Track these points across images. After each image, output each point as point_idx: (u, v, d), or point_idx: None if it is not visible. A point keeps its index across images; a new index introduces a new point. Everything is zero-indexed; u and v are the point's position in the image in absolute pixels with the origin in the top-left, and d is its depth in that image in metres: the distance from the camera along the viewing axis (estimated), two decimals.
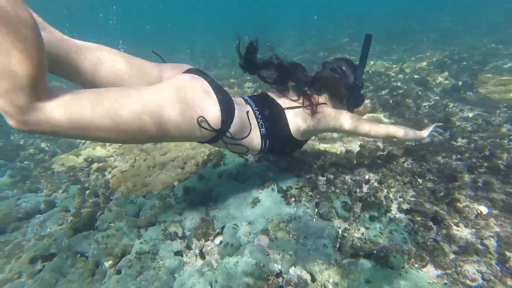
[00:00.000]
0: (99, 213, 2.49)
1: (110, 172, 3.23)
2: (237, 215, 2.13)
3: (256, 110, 1.72)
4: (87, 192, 2.84)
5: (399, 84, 4.64)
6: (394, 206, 2.16)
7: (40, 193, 2.96)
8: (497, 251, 1.73)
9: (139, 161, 3.33)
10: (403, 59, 6.47)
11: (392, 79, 4.92)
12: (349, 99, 2.04)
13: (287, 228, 1.96)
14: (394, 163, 2.46)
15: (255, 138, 1.69)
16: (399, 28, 10.41)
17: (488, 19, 10.00)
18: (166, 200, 2.43)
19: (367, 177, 2.37)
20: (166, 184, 2.74)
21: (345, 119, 1.83)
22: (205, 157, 3.04)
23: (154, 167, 3.18)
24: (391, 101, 3.82)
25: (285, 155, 2.21)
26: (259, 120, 1.69)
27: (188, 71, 1.56)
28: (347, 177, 2.42)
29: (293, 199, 2.20)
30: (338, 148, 2.91)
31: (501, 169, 2.50)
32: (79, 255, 2.00)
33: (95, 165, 3.35)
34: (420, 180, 2.36)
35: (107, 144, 3.79)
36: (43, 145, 4.30)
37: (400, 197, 2.21)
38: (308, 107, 1.77)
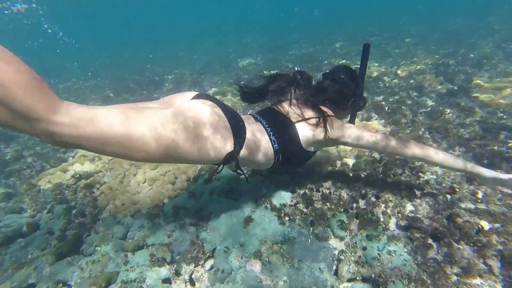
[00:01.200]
0: (85, 235, 2.38)
1: (98, 189, 3.12)
2: (228, 236, 2.02)
3: (267, 127, 1.75)
4: (74, 211, 2.72)
5: (395, 89, 4.58)
6: (392, 223, 2.08)
7: (24, 213, 2.83)
8: (502, 272, 1.65)
9: (128, 177, 3.22)
10: (398, 62, 6.42)
11: (387, 84, 4.86)
12: (352, 107, 2.05)
13: (281, 250, 1.86)
14: (392, 175, 2.38)
15: (268, 154, 1.72)
16: (395, 29, 10.40)
17: (484, 22, 10.02)
18: (155, 220, 2.32)
19: (363, 191, 2.29)
20: (156, 201, 2.64)
21: (353, 131, 1.82)
22: (196, 171, 2.94)
23: (144, 182, 3.07)
24: (387, 108, 3.75)
25: (296, 167, 2.20)
26: (271, 137, 1.71)
27: (196, 97, 1.60)
28: (343, 192, 2.33)
29: (288, 218, 2.10)
30: (333, 160, 2.82)
31: None
32: (61, 284, 1.89)
33: (82, 182, 3.23)
34: (418, 193, 2.28)
35: (96, 158, 3.67)
36: (29, 159, 4.16)
37: (398, 213, 2.13)
38: (317, 119, 1.79)
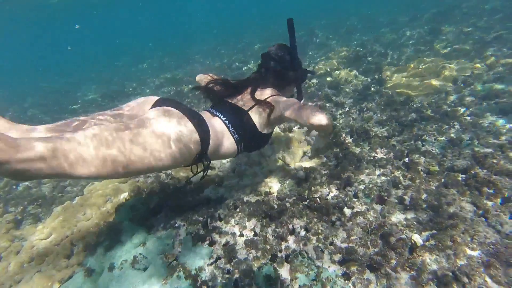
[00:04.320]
0: None
1: None
2: None
3: (225, 120, 1.83)
4: None
5: (313, 89, 4.51)
6: (326, 258, 1.82)
7: None
8: None
9: (9, 256, 2.48)
10: (314, 59, 6.50)
11: (306, 86, 4.78)
12: (295, 79, 2.11)
13: None
14: (318, 199, 2.14)
15: (231, 145, 1.83)
16: (305, 26, 10.73)
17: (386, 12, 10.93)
18: None
19: (291, 226, 2.00)
20: None
21: (294, 107, 1.77)
22: (97, 233, 2.36)
23: (30, 262, 2.38)
24: None
25: (259, 149, 2.26)
26: (230, 129, 1.81)
27: (158, 104, 1.65)
28: (269, 231, 2.02)
29: (205, 287, 1.70)
30: (258, 185, 2.51)
31: (421, 176, 2.38)
32: None
33: None
34: (348, 213, 2.09)
35: None
36: None
37: (330, 245, 1.89)
38: (264, 102, 1.87)
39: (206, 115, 1.82)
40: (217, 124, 1.79)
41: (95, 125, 1.40)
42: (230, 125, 1.82)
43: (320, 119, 1.56)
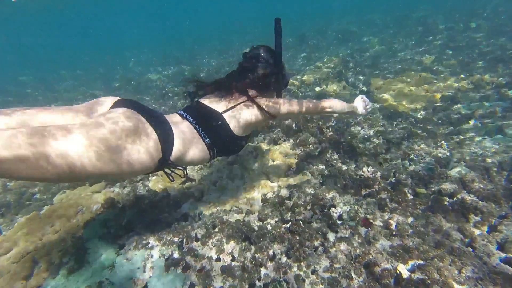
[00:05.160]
0: None
1: None
2: None
3: (195, 123, 1.70)
4: None
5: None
6: None
7: None
8: None
9: None
10: (302, 69, 6.45)
11: (293, 93, 4.69)
12: (276, 82, 2.00)
13: None
14: (301, 223, 2.03)
15: (201, 151, 1.70)
16: (297, 30, 10.70)
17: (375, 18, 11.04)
18: None
19: (271, 252, 1.88)
20: None
21: (280, 104, 1.82)
22: (62, 250, 2.17)
23: None
24: (293, 125, 3.49)
25: (236, 153, 2.18)
26: (200, 132, 1.68)
27: (118, 104, 1.50)
28: (248, 256, 1.89)
29: None
30: (237, 204, 2.38)
31: (408, 199, 2.32)
32: None
33: None
34: (332, 238, 1.98)
35: None
36: None
37: (312, 273, 1.77)
38: (244, 103, 1.78)
39: (174, 118, 1.71)
40: (185, 128, 1.66)
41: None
42: (200, 129, 1.69)
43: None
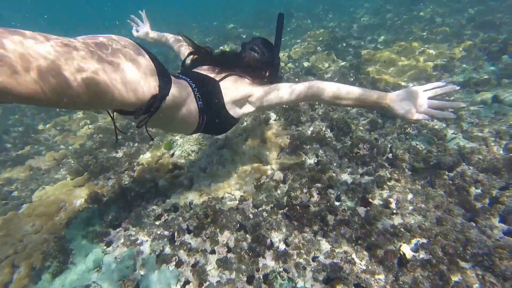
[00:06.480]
0: None
1: None
2: None
3: (191, 83, 1.55)
4: None
5: (289, 76, 4.22)
6: (308, 276, 1.63)
7: None
8: None
9: None
10: (289, 43, 6.18)
11: (282, 71, 4.48)
12: (270, 76, 1.97)
13: None
14: (298, 208, 1.92)
15: (193, 111, 1.52)
16: (279, 6, 10.26)
17: None
18: None
19: (269, 240, 1.78)
20: None
21: (281, 87, 1.64)
22: (44, 252, 2.02)
23: None
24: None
25: (222, 133, 1.99)
26: (196, 93, 1.53)
27: None
28: (245, 246, 1.78)
29: None
30: (229, 191, 2.26)
31: (406, 175, 2.24)
32: None
33: None
34: (331, 221, 1.89)
35: None
36: None
37: (313, 260, 1.69)
38: (238, 75, 1.75)
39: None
40: (182, 83, 1.47)
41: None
42: (196, 89, 1.54)
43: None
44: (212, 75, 1.72)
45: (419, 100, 1.33)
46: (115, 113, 1.31)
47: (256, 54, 1.89)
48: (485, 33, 4.57)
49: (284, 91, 1.61)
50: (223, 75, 1.72)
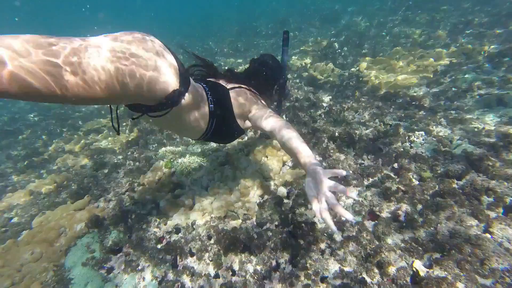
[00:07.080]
0: None
1: None
2: None
3: (205, 86, 1.61)
4: None
5: (289, 88, 4.21)
6: None
7: None
8: None
9: None
10: (290, 52, 6.20)
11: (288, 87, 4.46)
12: (277, 92, 2.06)
13: None
14: (304, 225, 1.85)
15: (205, 114, 1.54)
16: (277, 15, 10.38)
17: None
18: None
19: (274, 262, 1.70)
20: None
21: (266, 111, 1.71)
22: (42, 283, 1.96)
23: None
24: (284, 116, 3.29)
25: (227, 140, 1.99)
26: (208, 96, 1.57)
27: None
28: (250, 268, 1.71)
29: None
30: (232, 209, 2.19)
31: (414, 185, 2.16)
32: None
33: None
34: (338, 238, 1.81)
35: None
36: None
37: (322, 281, 1.61)
38: (246, 88, 1.81)
39: None
40: (198, 85, 1.53)
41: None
42: (209, 93, 1.59)
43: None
44: (225, 84, 1.80)
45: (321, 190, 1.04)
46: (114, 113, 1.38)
47: (263, 70, 1.97)
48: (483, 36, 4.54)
49: (265, 123, 1.63)
50: (232, 85, 1.79)
